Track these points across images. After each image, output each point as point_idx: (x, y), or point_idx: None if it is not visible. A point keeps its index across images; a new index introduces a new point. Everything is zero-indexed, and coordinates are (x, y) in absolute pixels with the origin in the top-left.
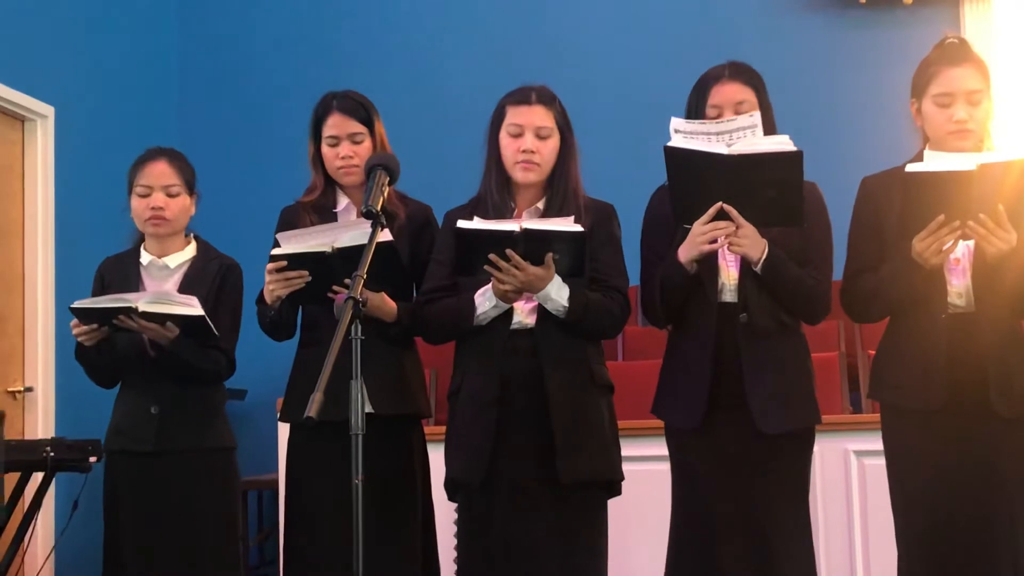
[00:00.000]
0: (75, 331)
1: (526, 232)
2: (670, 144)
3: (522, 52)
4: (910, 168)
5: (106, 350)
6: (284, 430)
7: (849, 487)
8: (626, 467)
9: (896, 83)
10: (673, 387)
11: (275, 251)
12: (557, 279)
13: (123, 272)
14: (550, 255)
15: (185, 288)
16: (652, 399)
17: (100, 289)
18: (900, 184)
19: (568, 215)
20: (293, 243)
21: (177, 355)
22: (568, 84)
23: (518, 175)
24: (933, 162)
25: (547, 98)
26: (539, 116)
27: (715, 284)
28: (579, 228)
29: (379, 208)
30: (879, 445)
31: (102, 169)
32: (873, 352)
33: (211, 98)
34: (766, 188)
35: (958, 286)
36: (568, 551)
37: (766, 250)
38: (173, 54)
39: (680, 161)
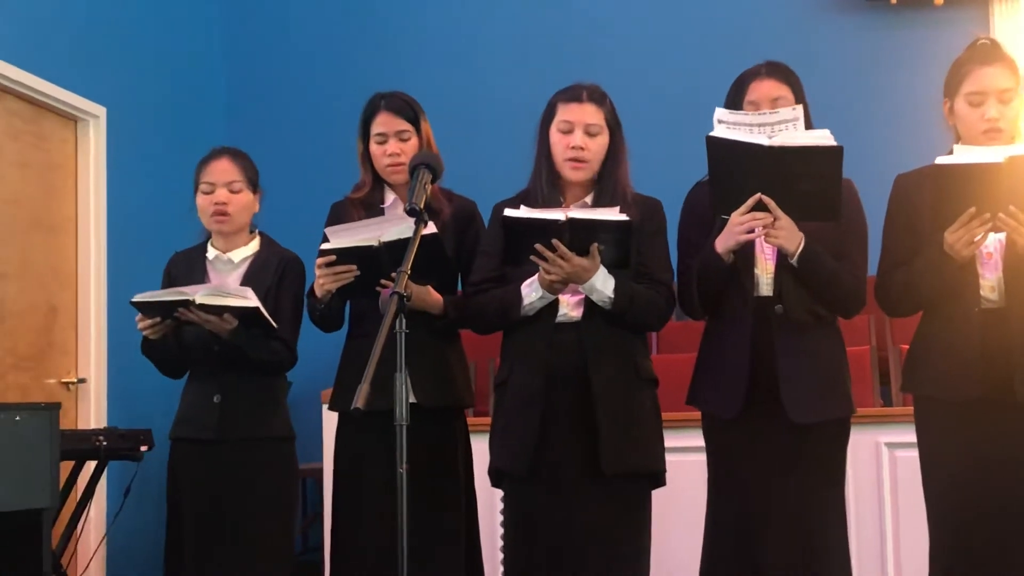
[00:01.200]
0: (140, 325)
1: (572, 221)
2: (712, 134)
3: (564, 51)
4: (939, 161)
5: (172, 343)
6: (330, 419)
7: (880, 478)
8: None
9: (927, 83)
10: (709, 378)
11: (324, 246)
12: (603, 270)
13: (190, 267)
14: (595, 245)
15: (247, 282)
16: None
17: (168, 283)
18: (931, 179)
19: (616, 207)
20: (341, 237)
21: (236, 345)
22: (609, 85)
23: (567, 173)
24: (962, 155)
25: (598, 96)
26: (589, 114)
27: (751, 276)
28: (624, 217)
29: (422, 205)
30: (910, 437)
31: (151, 167)
32: (904, 347)
33: (257, 98)
34: (805, 181)
35: (991, 280)
36: (612, 540)
37: (802, 243)
38: (219, 55)
39: (721, 151)
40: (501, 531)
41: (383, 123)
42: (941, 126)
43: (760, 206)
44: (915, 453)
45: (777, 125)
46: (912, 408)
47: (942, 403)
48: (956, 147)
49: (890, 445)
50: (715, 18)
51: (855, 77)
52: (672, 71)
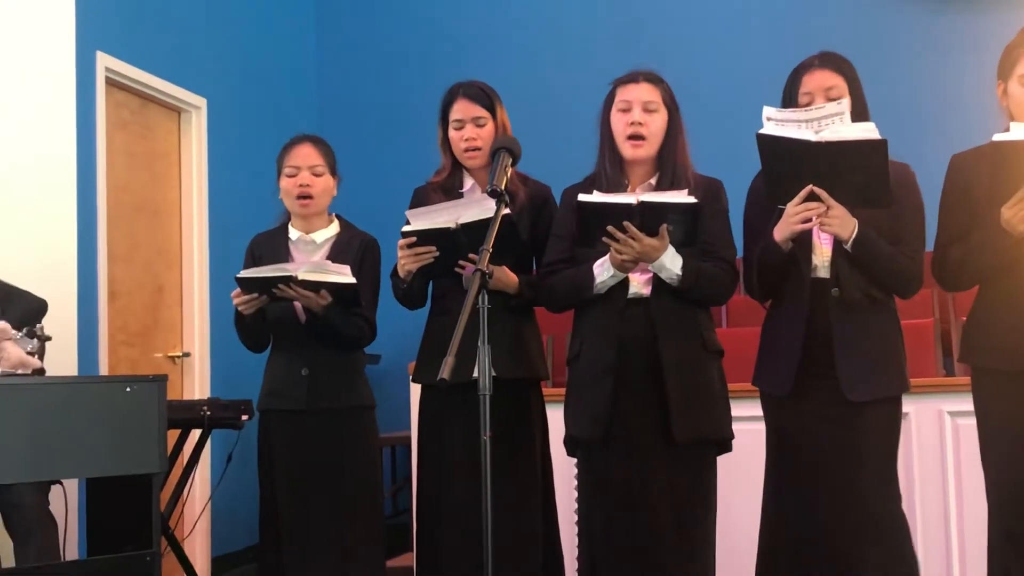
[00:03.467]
0: (236, 300)
1: (643, 204)
2: (761, 132)
3: (631, 44)
4: (997, 138)
5: (259, 318)
6: (415, 391)
7: (944, 445)
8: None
9: (982, 67)
10: (768, 357)
11: (405, 228)
12: (671, 249)
13: (273, 247)
14: (664, 226)
15: (331, 261)
16: (754, 363)
17: (251, 262)
18: (988, 157)
19: (679, 189)
20: (421, 220)
21: (328, 321)
22: (674, 72)
23: (627, 151)
24: (1019, 132)
25: (654, 78)
26: (645, 91)
27: (809, 261)
28: (693, 200)
29: (503, 187)
30: (971, 406)
31: (249, 154)
32: (965, 319)
33: (346, 89)
34: (853, 173)
35: None
36: (680, 502)
37: (856, 229)
38: (311, 50)
39: (771, 147)
40: (575, 495)
41: (461, 110)
42: (995, 108)
43: (813, 196)
44: (975, 421)
45: (824, 120)
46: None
47: (998, 374)
48: (1013, 124)
49: (952, 413)
50: (777, 7)
51: (912, 63)
52: (735, 59)
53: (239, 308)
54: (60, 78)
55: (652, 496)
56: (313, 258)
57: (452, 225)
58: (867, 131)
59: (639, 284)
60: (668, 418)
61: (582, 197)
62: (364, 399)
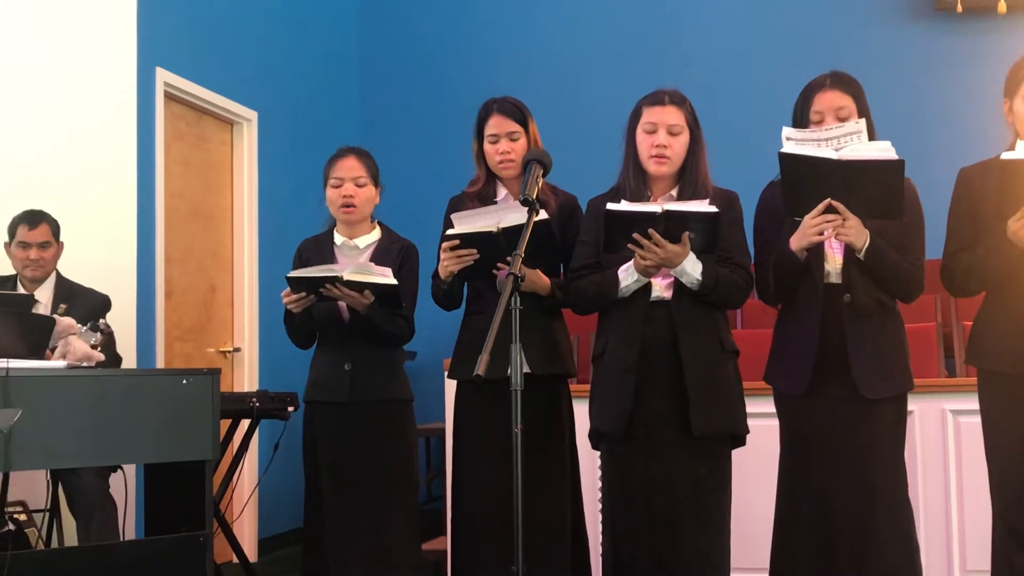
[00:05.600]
0: (285, 299)
1: (667, 213)
2: (783, 151)
3: (654, 61)
4: (1005, 156)
5: (307, 316)
6: (451, 385)
7: (946, 442)
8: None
9: (990, 85)
10: (782, 358)
11: (450, 231)
12: (692, 256)
13: (319, 251)
14: (687, 233)
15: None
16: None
17: (299, 264)
18: (995, 172)
19: (705, 200)
20: (464, 224)
21: (370, 319)
22: (693, 90)
23: (651, 168)
24: None
25: (678, 99)
26: (671, 115)
27: (822, 268)
28: (714, 209)
29: (534, 196)
30: (973, 405)
31: (296, 164)
32: (966, 323)
33: (387, 104)
34: (870, 188)
35: None
36: (698, 492)
37: (868, 239)
38: (354, 69)
39: (792, 165)
40: (599, 485)
41: (495, 125)
42: (1001, 126)
43: (830, 209)
44: (976, 419)
45: (843, 138)
46: (974, 379)
47: (1003, 375)
48: (1019, 142)
49: (954, 412)
50: (794, 28)
51: (921, 81)
52: (751, 76)
53: (288, 306)
54: (123, 93)
55: (671, 486)
56: (357, 261)
57: (494, 229)
58: (885, 150)
59: (661, 288)
60: (686, 413)
61: (610, 205)
62: (402, 393)
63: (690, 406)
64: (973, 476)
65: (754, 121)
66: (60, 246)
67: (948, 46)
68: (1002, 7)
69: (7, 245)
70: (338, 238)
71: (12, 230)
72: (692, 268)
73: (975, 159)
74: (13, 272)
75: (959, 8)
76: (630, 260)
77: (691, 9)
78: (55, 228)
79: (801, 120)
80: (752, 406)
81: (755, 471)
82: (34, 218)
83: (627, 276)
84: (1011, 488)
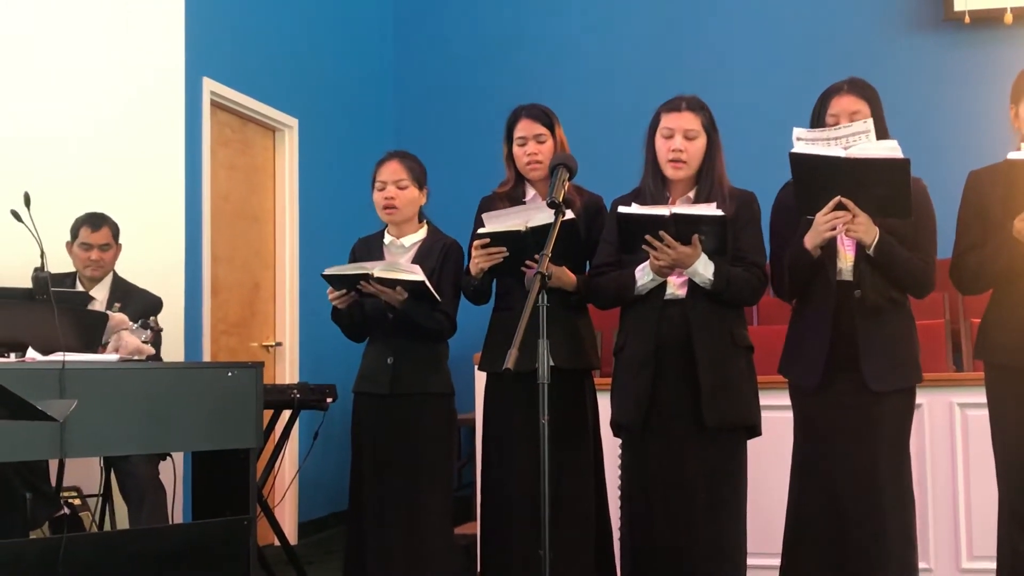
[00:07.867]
0: (330, 297)
1: (675, 216)
2: (794, 151)
3: (677, 68)
4: (1012, 156)
5: (356, 312)
6: (481, 377)
7: (953, 434)
8: (763, 415)
9: (997, 92)
10: (796, 351)
11: (481, 230)
12: (703, 256)
13: (369, 249)
14: (696, 236)
15: (416, 262)
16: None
17: (352, 261)
18: (1003, 173)
19: (714, 203)
20: (494, 223)
21: (406, 314)
22: (714, 95)
23: (669, 172)
24: None
25: (696, 105)
26: (688, 120)
27: (834, 265)
28: (720, 213)
29: (560, 198)
30: (980, 398)
31: (335, 168)
32: (974, 320)
33: (421, 111)
34: (878, 186)
35: None
36: (712, 481)
37: (878, 236)
38: (390, 76)
39: (803, 164)
40: (619, 473)
41: (524, 128)
42: (1007, 131)
43: (841, 206)
44: (983, 412)
45: (851, 137)
46: (981, 373)
47: (1010, 370)
48: None
49: (961, 405)
50: (810, 39)
51: (930, 88)
52: (767, 85)
53: (333, 302)
54: (171, 101)
55: (686, 475)
56: (401, 259)
57: (523, 228)
58: (891, 149)
59: (676, 287)
60: (700, 406)
61: (621, 209)
62: (442, 387)
63: (702, 399)
64: (979, 466)
65: (772, 126)
66: (119, 248)
67: (957, 55)
68: (1008, 18)
69: (69, 244)
70: (387, 237)
71: (75, 231)
72: (704, 268)
73: (984, 163)
74: (72, 270)
75: (967, 19)
76: (647, 260)
77: (712, 20)
78: (115, 230)
79: (818, 122)
80: (769, 399)
81: (773, 462)
82: (97, 221)
83: (643, 275)
84: (1016, 476)
